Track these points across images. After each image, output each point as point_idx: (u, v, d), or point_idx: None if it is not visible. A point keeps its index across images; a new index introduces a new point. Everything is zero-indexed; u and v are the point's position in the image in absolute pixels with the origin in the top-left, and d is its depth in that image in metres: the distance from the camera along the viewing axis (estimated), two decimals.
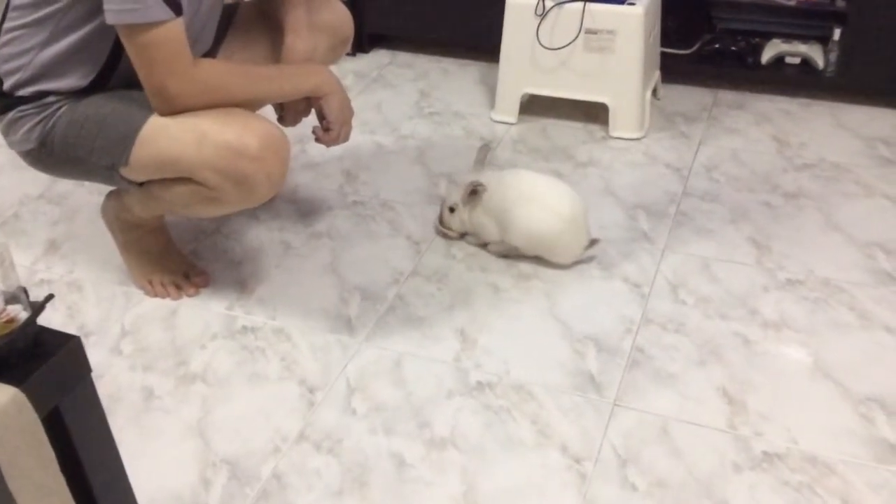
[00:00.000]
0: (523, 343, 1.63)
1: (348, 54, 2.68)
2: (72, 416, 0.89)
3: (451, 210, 1.85)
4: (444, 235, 1.91)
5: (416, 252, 1.88)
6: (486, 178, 1.80)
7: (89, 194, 2.10)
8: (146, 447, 1.44)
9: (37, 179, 2.14)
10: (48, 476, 0.85)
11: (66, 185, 2.13)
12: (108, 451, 0.97)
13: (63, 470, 0.86)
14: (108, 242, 1.81)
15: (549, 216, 1.75)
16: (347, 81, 2.58)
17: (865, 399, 1.48)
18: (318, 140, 1.66)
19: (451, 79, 2.64)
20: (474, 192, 1.79)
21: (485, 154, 1.82)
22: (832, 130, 2.29)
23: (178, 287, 1.77)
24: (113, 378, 1.58)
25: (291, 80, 1.59)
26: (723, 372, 1.55)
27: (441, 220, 1.89)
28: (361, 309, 1.72)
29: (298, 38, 1.65)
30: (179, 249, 1.83)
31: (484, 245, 1.87)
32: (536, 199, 1.76)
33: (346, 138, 1.67)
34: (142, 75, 1.41)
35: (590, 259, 1.82)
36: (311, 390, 1.54)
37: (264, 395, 1.54)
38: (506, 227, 1.78)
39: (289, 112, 1.67)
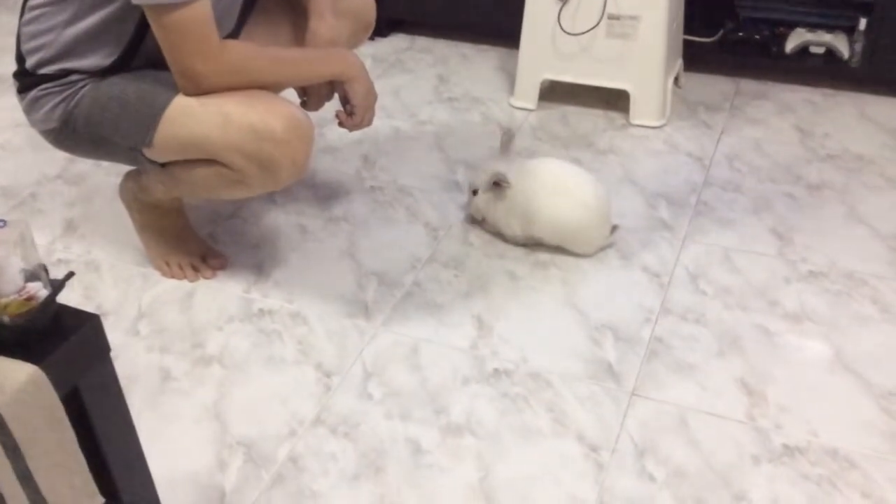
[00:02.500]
0: (540, 331, 1.62)
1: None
2: (90, 394, 0.89)
3: (474, 193, 1.83)
4: (473, 219, 1.90)
5: (434, 238, 1.87)
6: (509, 170, 1.77)
7: (107, 175, 2.10)
8: (162, 428, 1.44)
9: (54, 160, 2.14)
10: (67, 455, 0.84)
11: (83, 166, 2.13)
12: (126, 431, 0.97)
13: (81, 449, 0.86)
14: (125, 223, 1.81)
15: (575, 207, 1.73)
16: (366, 66, 2.56)
17: (887, 393, 1.46)
18: (340, 124, 1.65)
19: (469, 64, 2.62)
20: (497, 185, 1.76)
21: (508, 139, 1.80)
22: (856, 122, 2.26)
23: (196, 269, 1.77)
24: (129, 359, 1.58)
25: (318, 64, 1.58)
26: (742, 363, 1.53)
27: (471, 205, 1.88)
28: (378, 294, 1.72)
29: (323, 22, 1.64)
30: (197, 232, 1.82)
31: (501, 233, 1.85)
32: (561, 189, 1.74)
33: (368, 123, 1.66)
34: (168, 56, 1.40)
35: (609, 247, 1.81)
36: (328, 374, 1.54)
37: (281, 378, 1.53)
38: (530, 219, 1.76)
39: (312, 96, 1.66)
